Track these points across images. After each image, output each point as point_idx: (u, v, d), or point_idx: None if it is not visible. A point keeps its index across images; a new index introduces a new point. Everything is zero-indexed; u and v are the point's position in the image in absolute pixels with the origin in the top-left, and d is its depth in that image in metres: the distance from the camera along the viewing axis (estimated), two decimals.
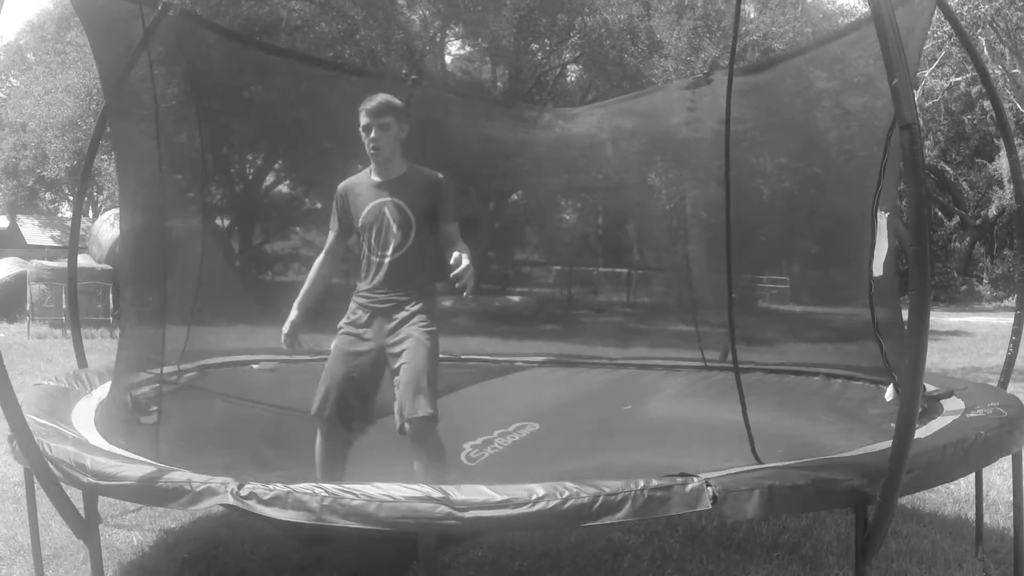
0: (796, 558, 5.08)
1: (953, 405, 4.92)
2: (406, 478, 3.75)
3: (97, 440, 4.35)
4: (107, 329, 18.51)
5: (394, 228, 4.76)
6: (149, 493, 3.34)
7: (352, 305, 4.93)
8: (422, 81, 9.41)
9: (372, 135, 4.74)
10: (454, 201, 4.93)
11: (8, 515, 5.76)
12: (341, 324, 4.94)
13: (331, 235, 5.09)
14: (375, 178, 4.89)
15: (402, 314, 4.75)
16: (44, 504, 4.50)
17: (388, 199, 4.80)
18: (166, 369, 6.01)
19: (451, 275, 4.54)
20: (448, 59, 32.29)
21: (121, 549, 5.13)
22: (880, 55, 3.08)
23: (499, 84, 28.93)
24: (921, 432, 3.69)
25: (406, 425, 4.47)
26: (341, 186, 5.02)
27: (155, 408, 5.54)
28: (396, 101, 4.84)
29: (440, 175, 4.87)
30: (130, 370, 5.74)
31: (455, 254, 4.58)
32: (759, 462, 4.21)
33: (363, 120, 4.77)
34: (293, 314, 5.00)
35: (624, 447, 5.92)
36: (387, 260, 4.78)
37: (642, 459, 5.44)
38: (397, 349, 4.69)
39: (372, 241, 4.81)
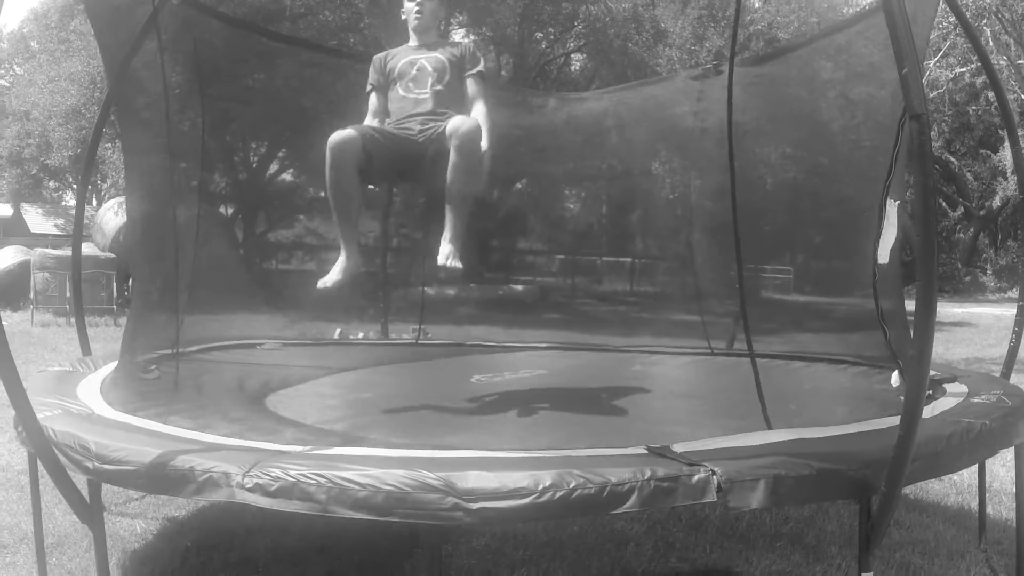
0: (799, 548, 5.09)
1: (956, 389, 4.92)
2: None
3: (103, 408, 4.36)
4: (111, 317, 18.51)
5: (430, 69, 5.20)
6: (153, 481, 3.35)
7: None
8: None
9: (418, 1, 5.30)
10: (480, 61, 5.40)
11: (12, 503, 5.78)
12: None
13: (372, 95, 5.46)
14: (412, 43, 5.40)
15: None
16: (47, 493, 4.51)
17: (424, 52, 5.29)
18: (169, 351, 6.04)
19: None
20: None
21: (124, 537, 5.14)
22: (886, 45, 3.07)
23: (503, 73, 28.91)
24: (925, 413, 3.68)
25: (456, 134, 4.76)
26: (378, 55, 5.48)
27: (155, 367, 5.58)
28: None
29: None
30: (137, 350, 5.75)
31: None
32: (769, 427, 4.22)
33: None
34: None
35: (628, 401, 5.96)
36: (424, 95, 5.18)
37: (644, 417, 5.45)
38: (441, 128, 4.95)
39: (409, 83, 5.23)
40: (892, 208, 5.04)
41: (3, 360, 3.25)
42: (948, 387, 4.96)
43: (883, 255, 5.09)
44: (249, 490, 3.08)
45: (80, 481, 3.62)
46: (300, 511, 3.04)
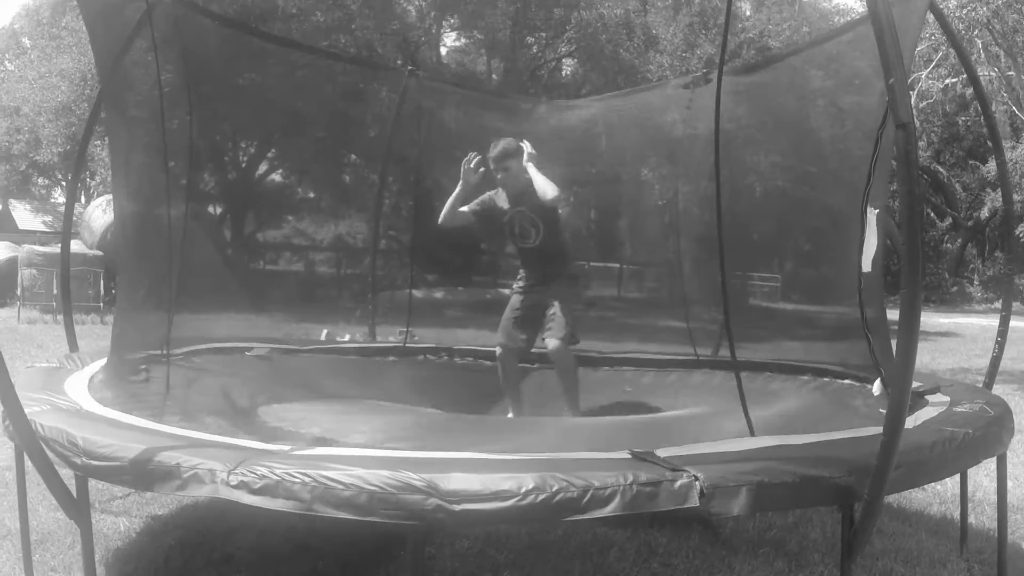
0: (782, 555, 5.10)
1: (939, 399, 4.93)
2: None
3: (91, 405, 4.37)
4: (98, 315, 18.47)
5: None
6: (140, 477, 3.35)
7: None
8: (419, 71, 9.41)
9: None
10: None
11: None
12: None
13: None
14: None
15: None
16: (31, 489, 4.50)
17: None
18: (157, 352, 6.03)
19: None
20: (443, 51, 32.27)
21: (108, 535, 5.13)
22: (875, 54, 3.09)
23: (494, 76, 28.94)
24: (908, 423, 3.70)
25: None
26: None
27: (144, 367, 5.58)
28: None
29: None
30: (125, 349, 5.74)
31: None
32: (752, 433, 4.23)
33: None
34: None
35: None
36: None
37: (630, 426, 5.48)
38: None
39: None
40: (872, 216, 5.05)
41: None
42: (931, 398, 4.98)
43: (867, 263, 5.10)
44: (234, 487, 3.08)
45: (67, 477, 3.62)
46: (284, 509, 3.05)
